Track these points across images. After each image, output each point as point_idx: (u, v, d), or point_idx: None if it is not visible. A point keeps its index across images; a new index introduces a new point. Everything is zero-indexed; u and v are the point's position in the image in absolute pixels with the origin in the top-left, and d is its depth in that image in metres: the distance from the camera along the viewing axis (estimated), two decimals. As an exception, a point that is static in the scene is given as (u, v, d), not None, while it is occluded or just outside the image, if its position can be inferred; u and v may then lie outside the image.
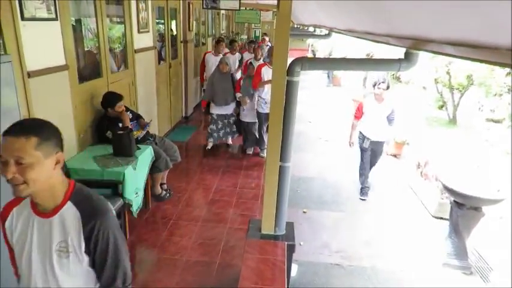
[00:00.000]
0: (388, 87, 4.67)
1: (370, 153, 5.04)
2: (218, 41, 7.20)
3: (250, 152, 6.09)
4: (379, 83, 4.64)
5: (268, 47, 11.12)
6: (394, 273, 3.57)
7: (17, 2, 2.64)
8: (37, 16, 2.89)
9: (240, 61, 7.78)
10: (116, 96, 3.80)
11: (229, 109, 5.91)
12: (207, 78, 6.58)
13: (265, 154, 5.42)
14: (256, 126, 5.94)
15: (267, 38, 13.52)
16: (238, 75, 6.89)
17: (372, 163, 5.16)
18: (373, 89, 4.75)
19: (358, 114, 4.95)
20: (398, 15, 1.79)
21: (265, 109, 5.53)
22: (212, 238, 3.71)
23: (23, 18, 2.71)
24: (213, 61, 6.70)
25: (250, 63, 6.22)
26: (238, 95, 5.80)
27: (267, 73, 5.34)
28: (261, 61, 6.31)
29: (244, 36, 17.02)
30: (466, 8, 1.08)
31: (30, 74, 2.83)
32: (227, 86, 5.73)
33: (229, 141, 6.36)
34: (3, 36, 2.57)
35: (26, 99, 2.80)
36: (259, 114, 5.77)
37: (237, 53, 7.82)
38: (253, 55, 7.01)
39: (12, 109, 1.83)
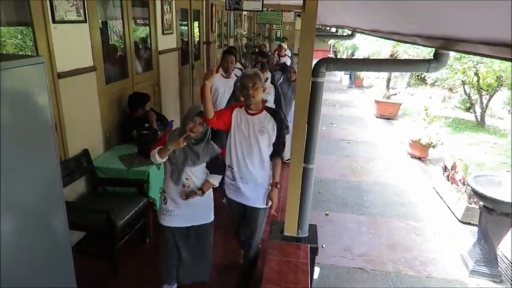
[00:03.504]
0: None
1: None
2: (225, 54, 4.44)
3: None
4: None
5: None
6: (420, 280, 3.47)
7: (48, 5, 2.73)
8: (67, 19, 2.98)
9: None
10: (144, 96, 3.89)
11: None
12: (214, 103, 3.62)
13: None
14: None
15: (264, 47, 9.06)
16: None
17: None
18: None
19: None
20: (429, 14, 1.74)
21: (237, 196, 2.73)
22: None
23: (54, 21, 2.79)
24: (223, 87, 4.22)
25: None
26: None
27: (241, 123, 2.58)
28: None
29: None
30: (502, 5, 1.04)
31: (60, 75, 2.91)
32: None
33: None
34: (36, 38, 2.66)
35: (56, 99, 2.89)
36: (230, 204, 2.86)
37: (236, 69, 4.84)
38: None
39: (44, 109, 1.88)
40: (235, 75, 4.27)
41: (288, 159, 4.65)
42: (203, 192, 2.52)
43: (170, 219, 2.61)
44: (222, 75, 4.26)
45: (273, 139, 2.55)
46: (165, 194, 2.60)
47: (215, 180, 2.60)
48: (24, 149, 1.78)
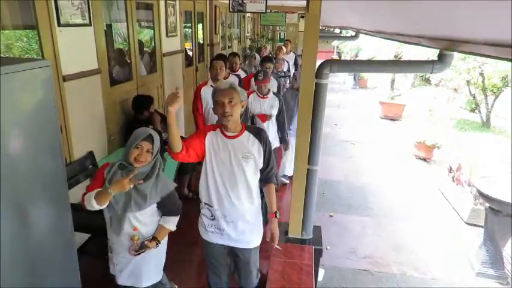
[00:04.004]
0: None
1: None
2: (212, 61, 3.90)
3: None
4: None
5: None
6: (425, 282, 3.46)
7: (54, 9, 2.75)
8: (72, 22, 2.99)
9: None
10: (149, 99, 3.91)
11: None
12: (206, 118, 3.93)
13: None
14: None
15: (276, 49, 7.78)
16: None
17: None
18: None
19: None
20: (433, 15, 1.74)
21: (219, 238, 2.23)
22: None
23: (59, 24, 2.81)
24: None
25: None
26: None
27: (219, 149, 2.10)
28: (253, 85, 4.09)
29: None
30: (506, 6, 1.04)
31: (65, 78, 2.93)
32: None
33: None
34: (41, 42, 2.68)
35: (61, 102, 2.90)
36: (208, 247, 2.33)
37: (231, 75, 4.54)
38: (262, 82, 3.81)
39: (49, 111, 1.89)
40: None
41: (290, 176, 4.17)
42: (158, 243, 2.00)
43: (115, 271, 2.13)
44: (211, 85, 3.70)
45: (260, 164, 2.11)
46: (109, 242, 2.07)
47: (171, 224, 2.07)
48: (30, 151, 1.79)
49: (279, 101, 3.80)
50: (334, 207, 4.75)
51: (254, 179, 2.12)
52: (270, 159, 2.15)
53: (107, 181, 1.88)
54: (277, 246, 2.26)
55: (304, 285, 2.36)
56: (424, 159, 6.62)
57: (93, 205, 1.83)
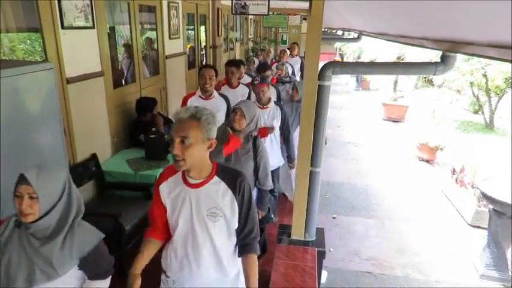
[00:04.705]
0: None
1: None
2: (200, 69, 3.33)
3: None
4: None
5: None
6: (429, 284, 3.44)
7: (57, 12, 2.77)
8: (75, 25, 3.01)
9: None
10: (152, 101, 3.93)
11: None
12: None
13: None
14: None
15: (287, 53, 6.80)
16: None
17: None
18: None
19: None
20: (436, 17, 1.74)
21: None
22: None
23: (63, 27, 2.83)
24: None
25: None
26: None
27: (177, 200, 1.54)
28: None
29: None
30: (508, 8, 1.04)
31: (68, 80, 2.95)
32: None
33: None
34: (45, 44, 2.70)
35: (64, 104, 2.92)
36: None
37: (242, 85, 3.88)
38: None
39: (53, 114, 1.91)
40: (220, 95, 3.33)
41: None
42: None
43: None
44: (200, 96, 3.24)
45: (234, 225, 1.52)
46: None
47: None
48: (33, 153, 1.80)
49: (282, 111, 3.33)
50: (337, 209, 4.74)
51: (227, 245, 1.55)
52: (248, 218, 1.53)
53: None
54: None
55: (307, 287, 2.36)
56: (427, 161, 6.59)
57: None
